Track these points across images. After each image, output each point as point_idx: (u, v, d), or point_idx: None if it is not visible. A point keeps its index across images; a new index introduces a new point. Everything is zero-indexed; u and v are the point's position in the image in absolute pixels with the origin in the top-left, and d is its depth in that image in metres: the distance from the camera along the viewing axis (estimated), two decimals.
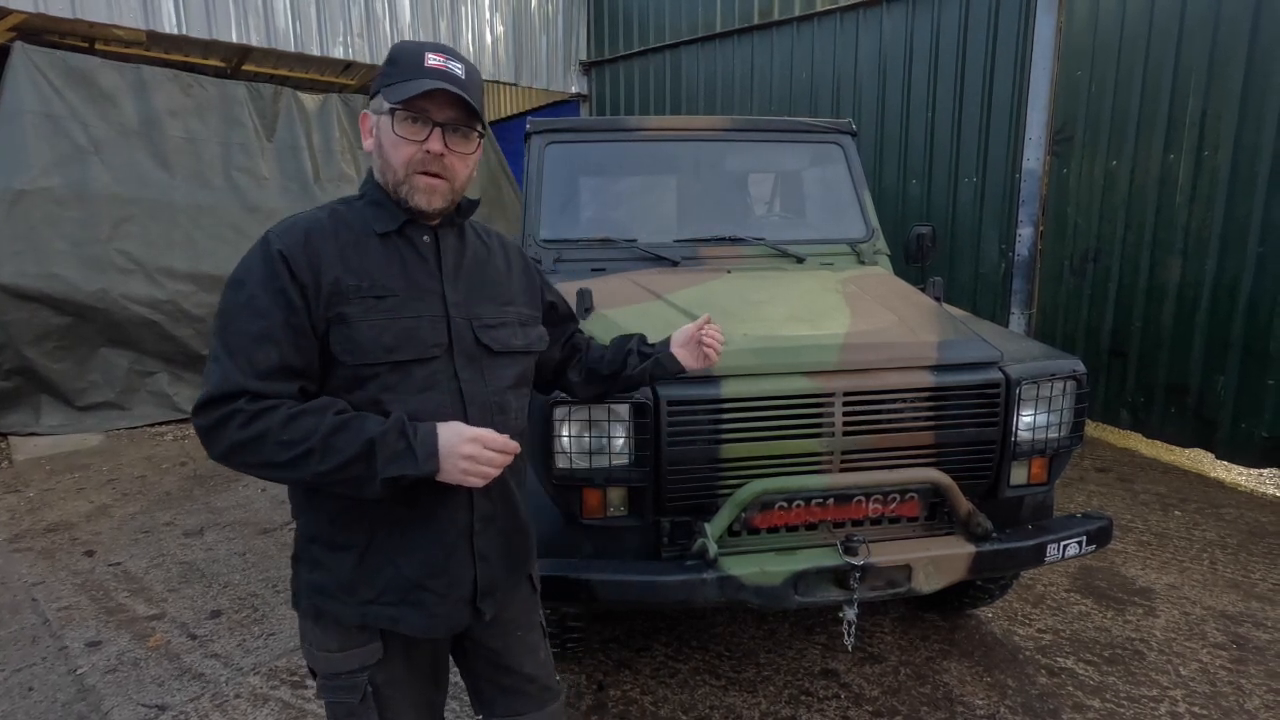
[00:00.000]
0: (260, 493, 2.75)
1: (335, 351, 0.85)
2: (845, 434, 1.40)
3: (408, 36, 4.73)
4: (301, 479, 0.84)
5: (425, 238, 0.91)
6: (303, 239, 0.86)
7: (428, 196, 0.86)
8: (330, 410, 0.83)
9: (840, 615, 1.38)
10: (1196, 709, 1.54)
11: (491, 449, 0.82)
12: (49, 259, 3.43)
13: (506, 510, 0.94)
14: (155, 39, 4.63)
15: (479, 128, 0.88)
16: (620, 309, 1.60)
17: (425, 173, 0.86)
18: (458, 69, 0.87)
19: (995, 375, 1.43)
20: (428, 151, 0.85)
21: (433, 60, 0.86)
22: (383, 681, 0.92)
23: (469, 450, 0.81)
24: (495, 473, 0.83)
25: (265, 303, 0.83)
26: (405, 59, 0.86)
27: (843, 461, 1.42)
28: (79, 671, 1.67)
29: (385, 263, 0.88)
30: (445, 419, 0.84)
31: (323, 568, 0.90)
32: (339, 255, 0.86)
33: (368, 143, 0.90)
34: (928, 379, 1.41)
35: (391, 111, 0.85)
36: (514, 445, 0.84)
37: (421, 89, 0.83)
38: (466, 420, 0.86)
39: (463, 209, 0.94)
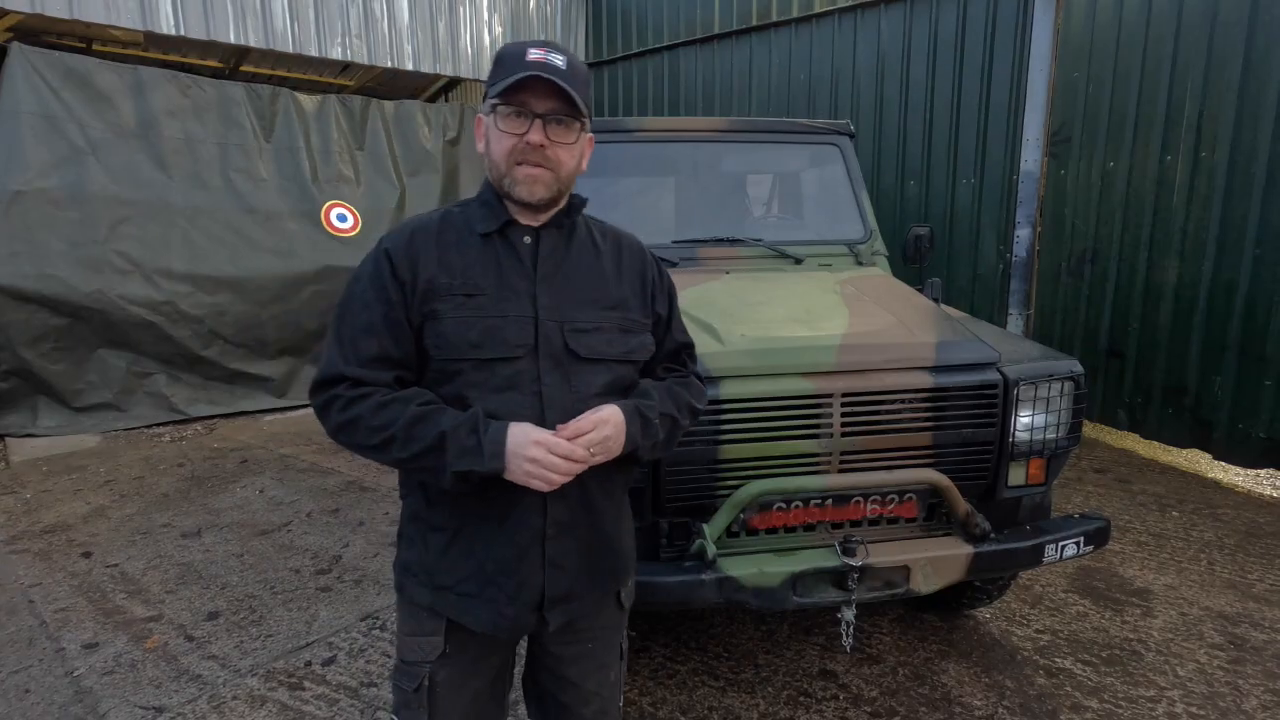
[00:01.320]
0: (258, 494, 2.74)
1: (426, 345, 0.89)
2: (843, 435, 1.40)
3: (406, 37, 4.73)
4: (388, 463, 0.89)
5: (526, 239, 0.92)
6: (408, 238, 0.91)
7: (529, 187, 0.88)
8: (415, 401, 0.87)
9: (839, 616, 1.38)
10: (1194, 709, 1.54)
11: (556, 454, 0.82)
12: (46, 260, 3.43)
13: (589, 520, 0.92)
14: (153, 40, 4.62)
15: (582, 118, 0.89)
16: None
17: (526, 162, 0.87)
18: (558, 60, 0.87)
19: (993, 376, 1.43)
20: (528, 143, 0.86)
21: (533, 55, 0.87)
22: (442, 680, 0.93)
23: (534, 454, 0.82)
24: (560, 478, 0.83)
25: (371, 297, 0.90)
26: (509, 57, 0.88)
27: (841, 462, 1.42)
28: (76, 674, 1.66)
29: (481, 262, 0.91)
30: (523, 420, 0.85)
31: (415, 546, 0.94)
32: (439, 254, 0.90)
33: (480, 145, 0.92)
34: (926, 380, 1.41)
35: (494, 107, 0.87)
36: (581, 454, 0.83)
37: (517, 77, 0.85)
38: (544, 423, 0.86)
39: (574, 206, 0.95)
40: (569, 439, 0.83)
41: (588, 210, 0.98)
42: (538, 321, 0.89)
